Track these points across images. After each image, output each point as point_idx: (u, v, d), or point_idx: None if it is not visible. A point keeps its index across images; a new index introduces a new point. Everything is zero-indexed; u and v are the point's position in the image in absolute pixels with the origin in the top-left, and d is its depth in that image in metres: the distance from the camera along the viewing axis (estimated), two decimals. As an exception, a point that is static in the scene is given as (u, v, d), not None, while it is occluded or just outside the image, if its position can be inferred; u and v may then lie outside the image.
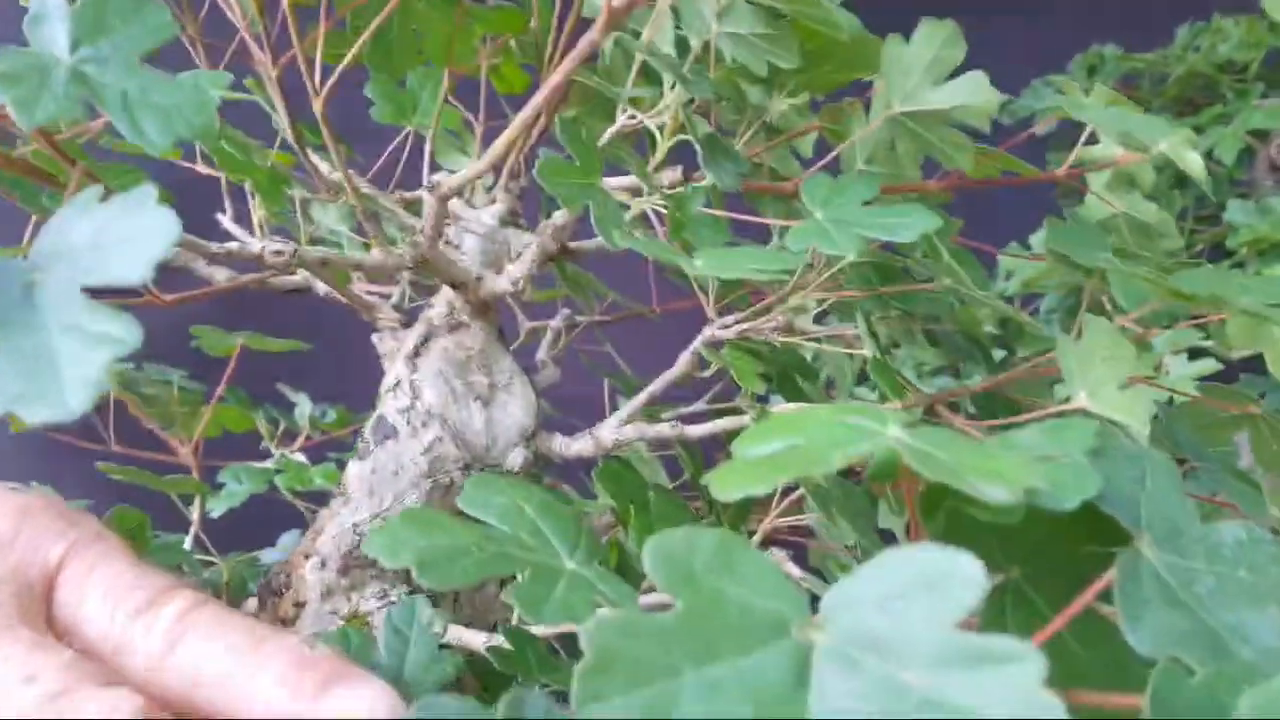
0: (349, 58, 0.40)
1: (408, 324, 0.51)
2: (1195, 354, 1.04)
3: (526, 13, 0.57)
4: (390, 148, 0.61)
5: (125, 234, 0.24)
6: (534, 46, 0.61)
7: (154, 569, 0.30)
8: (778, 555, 0.39)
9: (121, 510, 0.45)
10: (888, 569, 0.19)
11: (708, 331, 0.50)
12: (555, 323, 0.58)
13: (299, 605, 0.45)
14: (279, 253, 0.39)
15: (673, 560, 0.19)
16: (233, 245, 0.38)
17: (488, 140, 0.62)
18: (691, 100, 0.44)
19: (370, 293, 0.60)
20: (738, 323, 0.50)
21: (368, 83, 0.62)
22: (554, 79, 0.36)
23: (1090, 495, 0.21)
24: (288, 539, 0.83)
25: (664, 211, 0.41)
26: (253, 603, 0.59)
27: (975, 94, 0.40)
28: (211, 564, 0.60)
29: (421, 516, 0.26)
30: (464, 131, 0.66)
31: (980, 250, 0.55)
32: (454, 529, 0.25)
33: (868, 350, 0.42)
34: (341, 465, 0.68)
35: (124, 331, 0.22)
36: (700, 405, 0.61)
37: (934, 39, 0.41)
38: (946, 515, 0.23)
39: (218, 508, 0.64)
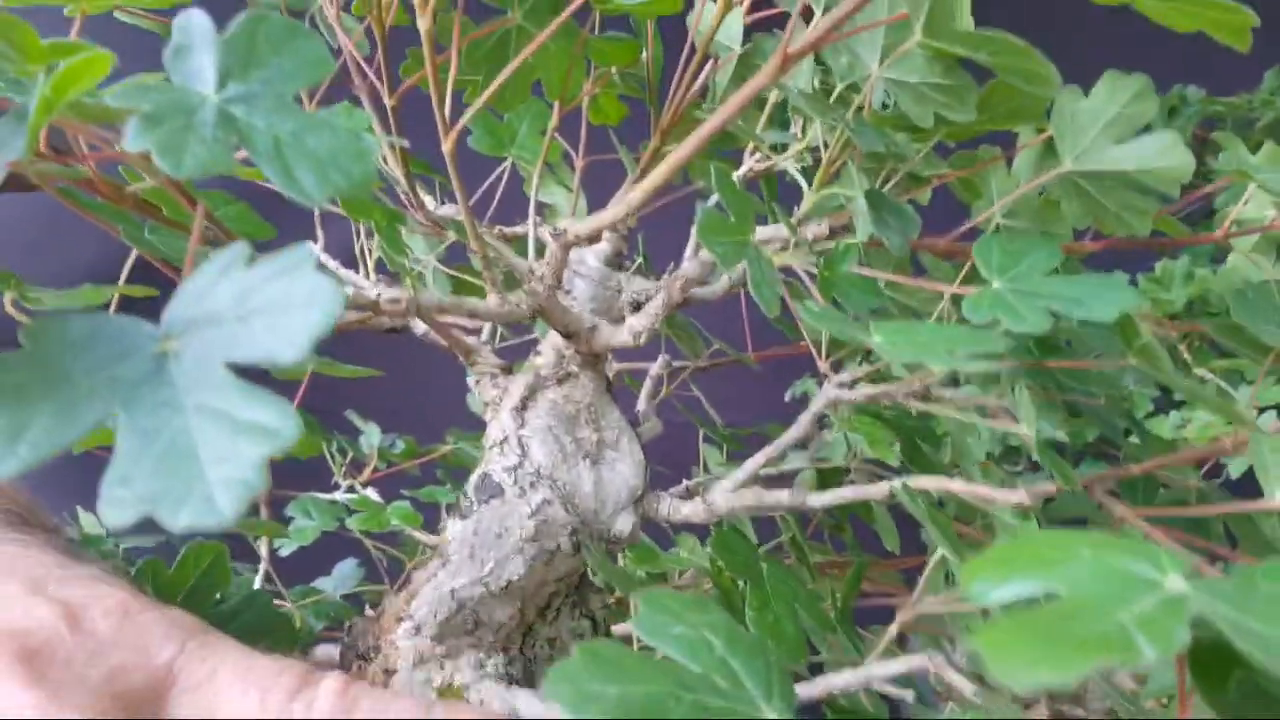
0: (478, 105, 0.37)
1: (506, 370, 0.47)
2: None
3: (640, 45, 0.54)
4: (488, 181, 0.58)
5: (278, 302, 0.21)
6: (636, 78, 0.58)
7: (284, 657, 0.29)
8: (935, 660, 0.35)
9: (196, 545, 0.41)
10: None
11: (830, 391, 0.46)
12: (655, 369, 0.54)
13: (389, 673, 0.41)
14: (395, 300, 0.36)
15: None
16: (347, 290, 0.35)
17: (587, 175, 0.59)
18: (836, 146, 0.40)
19: (459, 327, 0.57)
20: (858, 381, 0.47)
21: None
22: (713, 122, 0.33)
23: None
24: (345, 568, 0.80)
25: (809, 269, 0.37)
26: (322, 649, 0.56)
27: (1167, 156, 0.36)
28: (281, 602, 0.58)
29: (603, 655, 0.22)
30: (561, 165, 0.63)
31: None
32: (641, 671, 0.22)
33: (1026, 428, 0.38)
34: (416, 504, 0.66)
35: (280, 421, 0.19)
36: (799, 464, 0.58)
37: (1120, 93, 0.37)
38: (1239, 686, 0.19)
39: (287, 545, 0.61)
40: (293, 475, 0.73)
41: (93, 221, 0.33)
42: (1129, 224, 0.39)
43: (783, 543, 0.61)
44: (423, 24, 0.30)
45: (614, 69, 0.58)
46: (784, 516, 0.57)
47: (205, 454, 0.19)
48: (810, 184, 0.39)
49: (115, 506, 0.18)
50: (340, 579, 0.79)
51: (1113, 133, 0.37)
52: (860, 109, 0.37)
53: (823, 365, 0.53)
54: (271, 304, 0.21)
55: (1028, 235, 0.35)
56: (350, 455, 0.74)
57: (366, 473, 0.73)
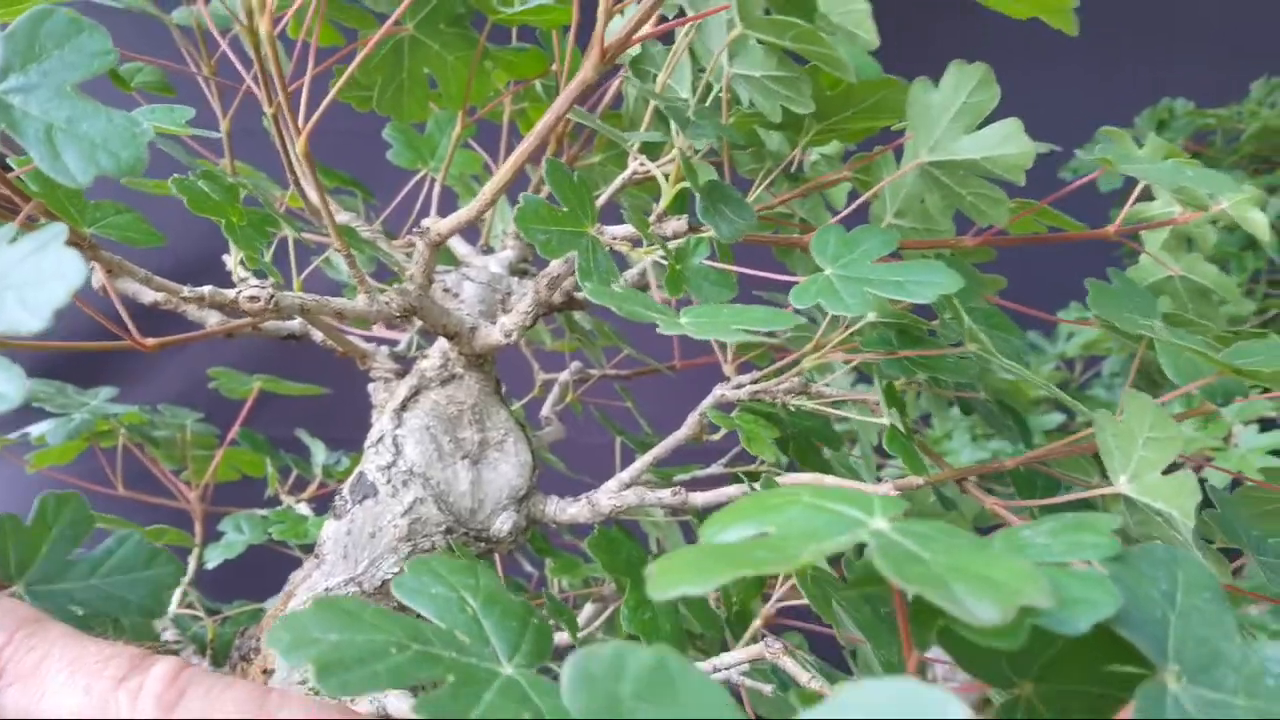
0: (328, 101, 0.38)
1: (402, 374, 0.48)
2: (1268, 425, 0.97)
3: (548, 55, 0.55)
4: (404, 193, 0.59)
5: (27, 277, 0.22)
6: (558, 91, 0.60)
7: (116, 642, 0.29)
8: (773, 648, 0.35)
9: (51, 496, 0.41)
10: (856, 707, 0.15)
11: (718, 391, 0.46)
12: (564, 376, 0.55)
13: (267, 672, 0.42)
14: (254, 298, 0.37)
15: (595, 685, 0.16)
16: (205, 290, 0.36)
17: (513, 189, 0.60)
18: (701, 146, 0.41)
19: (374, 339, 0.58)
20: (752, 384, 0.47)
21: (386, 127, 0.61)
22: (546, 119, 0.34)
23: (1105, 617, 0.17)
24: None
25: (661, 264, 0.38)
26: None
27: (1008, 144, 0.36)
28: (198, 619, 0.58)
29: (339, 606, 0.23)
30: (485, 176, 0.64)
31: (1029, 314, 0.51)
32: (376, 623, 0.22)
33: (885, 418, 0.38)
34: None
35: (9, 388, 0.20)
36: (716, 468, 0.58)
37: (964, 83, 0.37)
38: (943, 631, 0.19)
39: (214, 558, 0.62)
40: (242, 496, 0.74)
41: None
42: (985, 213, 0.40)
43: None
44: (262, 26, 0.31)
45: (538, 82, 0.60)
46: (696, 521, 0.57)
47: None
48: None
49: None
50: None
51: (961, 123, 0.38)
52: (713, 105, 0.38)
53: (727, 369, 0.54)
54: (24, 278, 0.22)
55: (868, 227, 0.36)
56: (294, 474, 0.75)
57: (311, 489, 0.74)
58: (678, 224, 0.39)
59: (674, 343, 0.66)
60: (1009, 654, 0.19)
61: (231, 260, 0.41)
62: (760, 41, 0.35)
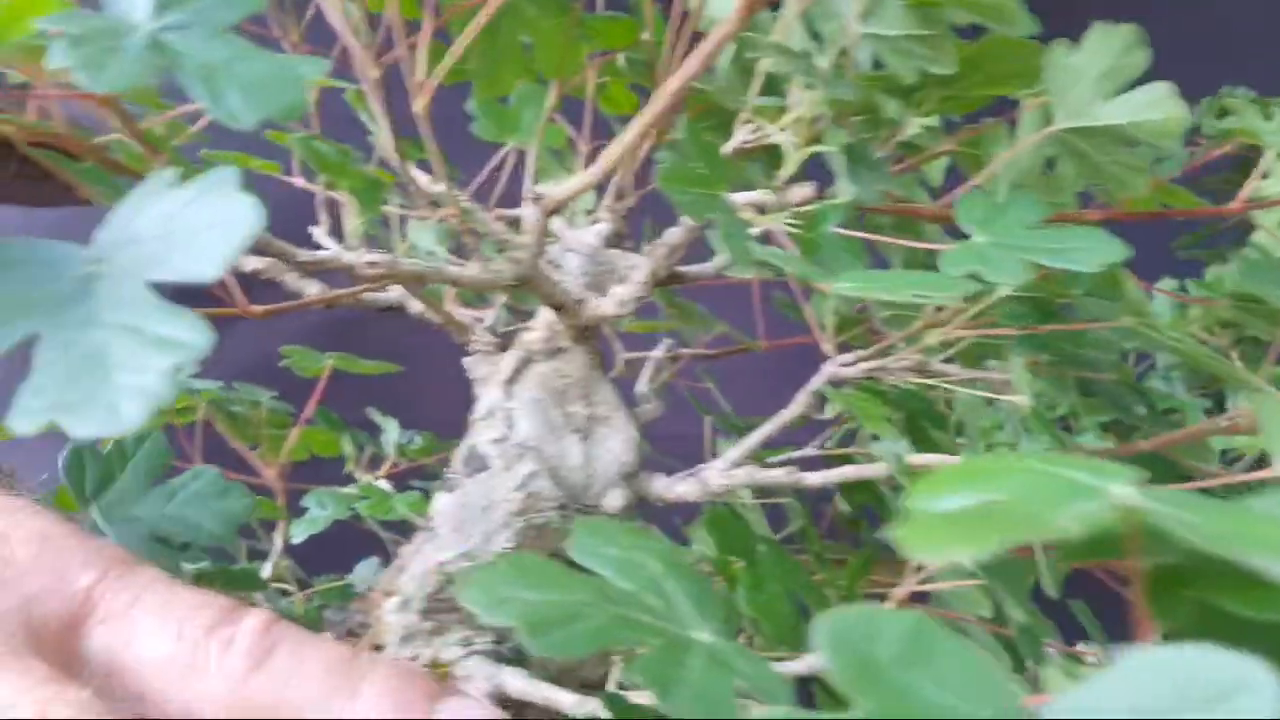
0: (447, 63, 0.37)
1: (503, 348, 0.47)
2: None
3: (639, 24, 0.54)
4: (490, 165, 0.58)
5: (199, 223, 0.21)
6: (644, 64, 0.58)
7: (208, 591, 0.28)
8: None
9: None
10: (1142, 675, 0.14)
11: (829, 369, 0.45)
12: (657, 353, 0.54)
13: (377, 648, 0.41)
14: (374, 264, 0.36)
15: (853, 648, 0.15)
16: (324, 254, 0.35)
17: (593, 161, 0.59)
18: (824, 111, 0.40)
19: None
20: (862, 360, 0.45)
21: (470, 98, 0.60)
22: (672, 84, 0.32)
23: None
24: (364, 568, 0.80)
25: (792, 232, 0.36)
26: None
27: (1160, 108, 0.34)
28: (288, 594, 0.58)
29: (526, 564, 0.22)
30: (568, 151, 0.63)
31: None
32: (564, 581, 0.21)
33: (1022, 398, 0.37)
34: (426, 494, 0.66)
35: (191, 334, 0.19)
36: (811, 450, 0.57)
37: (1109, 45, 0.36)
38: (1195, 607, 0.18)
39: (299, 533, 0.61)
40: (316, 473, 0.74)
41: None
42: (1125, 183, 0.38)
43: (793, 535, 0.60)
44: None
45: (621, 55, 0.58)
46: (792, 504, 0.56)
47: (115, 364, 0.19)
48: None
49: (23, 415, 0.18)
50: (361, 578, 0.79)
51: (1104, 87, 0.36)
52: (840, 67, 0.37)
53: (827, 347, 0.52)
54: (193, 224, 0.21)
55: (1017, 191, 0.34)
56: (369, 451, 0.74)
57: (385, 468, 0.74)
58: (804, 190, 0.38)
59: (760, 324, 0.65)
60: (1273, 640, 0.18)
61: (348, 224, 0.40)
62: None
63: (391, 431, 0.75)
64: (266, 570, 0.57)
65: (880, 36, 0.36)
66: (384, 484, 0.66)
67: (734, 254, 0.31)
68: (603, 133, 0.59)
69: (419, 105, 0.32)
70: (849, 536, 0.66)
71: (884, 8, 0.35)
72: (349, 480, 0.71)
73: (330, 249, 0.35)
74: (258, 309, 0.39)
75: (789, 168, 0.38)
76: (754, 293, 0.64)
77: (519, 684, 0.38)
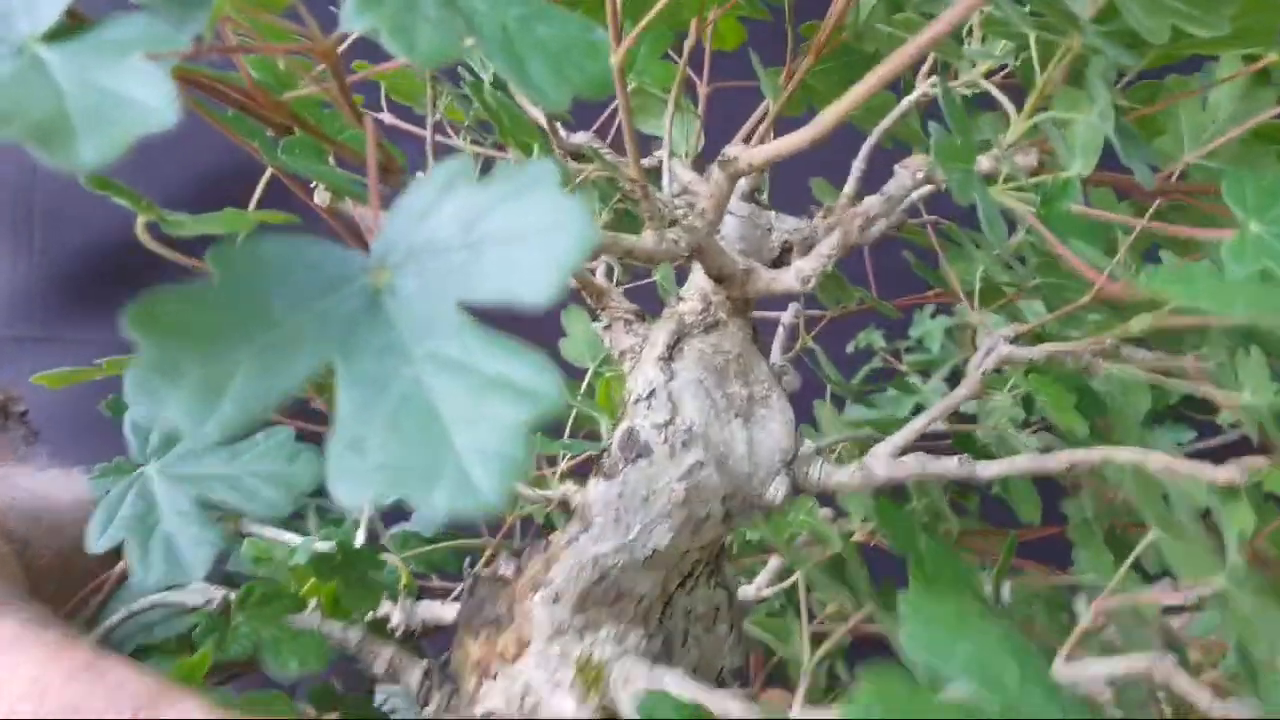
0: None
1: (640, 316, 0.44)
2: None
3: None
4: (607, 111, 0.53)
5: (517, 230, 0.17)
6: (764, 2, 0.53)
7: None
8: (1162, 663, 0.31)
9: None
10: None
11: (1002, 349, 0.41)
12: (788, 318, 0.50)
13: (522, 644, 0.38)
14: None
15: None
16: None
17: (710, 104, 0.54)
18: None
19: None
20: (1021, 337, 0.42)
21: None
22: (926, 35, 0.28)
23: None
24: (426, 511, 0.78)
25: (1023, 206, 0.32)
26: (425, 606, 0.53)
27: None
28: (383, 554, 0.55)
29: (958, 613, 0.19)
30: (683, 95, 0.58)
31: None
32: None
33: (1250, 395, 0.34)
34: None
35: (538, 378, 0.15)
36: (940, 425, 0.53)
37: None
38: None
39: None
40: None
41: (215, 132, 0.29)
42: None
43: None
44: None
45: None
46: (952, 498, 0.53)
47: (449, 415, 0.15)
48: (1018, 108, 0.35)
49: (351, 481, 0.15)
50: (426, 522, 0.76)
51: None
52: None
53: (976, 317, 0.49)
54: (508, 231, 0.17)
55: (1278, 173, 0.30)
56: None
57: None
58: (1027, 158, 0.34)
59: (870, 281, 0.61)
60: None
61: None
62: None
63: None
64: (360, 536, 0.54)
65: (1136, -13, 0.31)
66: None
67: (995, 238, 0.27)
68: (716, 72, 0.54)
69: (615, 59, 0.28)
70: (954, 505, 0.64)
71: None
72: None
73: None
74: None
75: (1015, 132, 0.33)
76: (864, 255, 0.60)
77: (683, 686, 0.36)
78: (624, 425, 0.38)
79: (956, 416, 0.57)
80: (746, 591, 0.55)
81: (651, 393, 0.38)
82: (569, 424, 0.66)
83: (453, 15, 0.17)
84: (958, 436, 0.52)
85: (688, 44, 0.48)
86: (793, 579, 0.57)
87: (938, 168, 0.26)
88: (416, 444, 0.15)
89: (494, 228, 0.17)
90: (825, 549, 0.57)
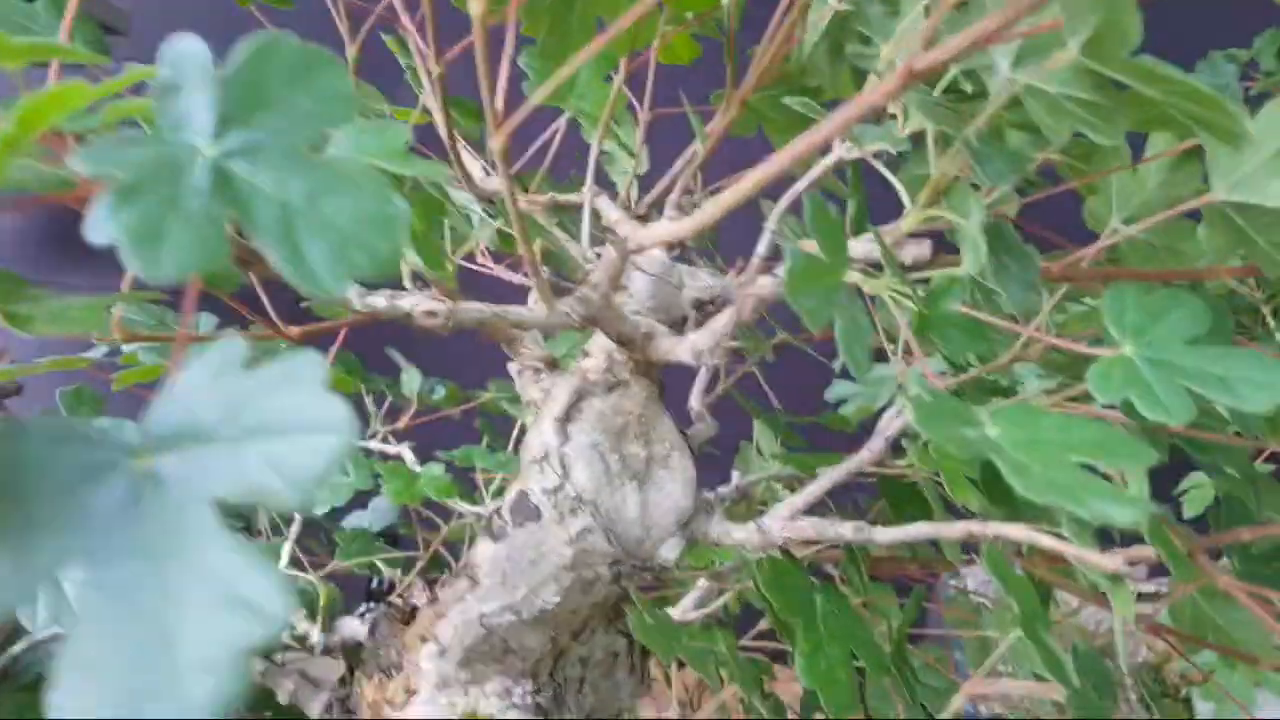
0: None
1: (552, 365, 0.43)
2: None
3: (720, -9, 0.48)
4: (546, 134, 0.52)
5: (279, 424, 0.17)
6: (714, 20, 0.52)
7: None
8: None
9: None
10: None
11: (906, 416, 0.41)
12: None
13: (410, 692, 0.39)
14: (432, 314, 0.32)
15: None
16: (379, 302, 0.31)
17: (652, 132, 0.53)
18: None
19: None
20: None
21: (521, 54, 0.54)
22: (811, 137, 0.27)
23: None
24: (381, 504, 0.78)
25: (903, 302, 0.32)
26: (347, 625, 0.54)
27: (1345, 202, 0.30)
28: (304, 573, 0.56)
29: None
30: (624, 114, 0.57)
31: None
32: None
33: (1135, 515, 0.34)
34: (450, 468, 0.63)
35: (271, 602, 0.15)
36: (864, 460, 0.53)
37: (1293, 119, 0.31)
38: None
39: (321, 503, 0.58)
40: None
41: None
42: (1277, 264, 0.34)
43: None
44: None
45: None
46: (848, 556, 0.54)
47: (182, 632, 0.15)
48: (909, 170, 0.34)
49: (75, 702, 0.15)
50: (377, 514, 0.77)
51: (1279, 165, 0.31)
52: (979, 119, 0.32)
53: (899, 367, 0.48)
54: (270, 426, 0.17)
55: (1167, 290, 0.30)
56: (389, 401, 0.71)
57: (405, 418, 0.71)
58: (919, 249, 0.33)
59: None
60: None
61: (404, 269, 0.36)
62: (1085, 65, 0.28)
63: (413, 379, 0.72)
64: (285, 555, 0.55)
65: (1036, 90, 0.31)
66: (407, 451, 0.63)
67: (855, 364, 0.27)
68: (659, 93, 0.54)
69: (497, 143, 0.28)
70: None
71: (1048, 60, 0.29)
72: (368, 435, 0.68)
73: (381, 300, 0.30)
74: (294, 330, 0.35)
75: (906, 224, 0.33)
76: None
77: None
78: (517, 487, 0.38)
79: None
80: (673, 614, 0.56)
81: (545, 456, 0.38)
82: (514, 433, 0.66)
83: (220, 207, 0.17)
84: (884, 481, 0.52)
85: (622, 68, 0.47)
86: (719, 602, 0.58)
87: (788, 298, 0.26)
88: (142, 667, 0.15)
89: (257, 421, 0.17)
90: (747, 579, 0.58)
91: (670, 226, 0.32)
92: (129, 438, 0.18)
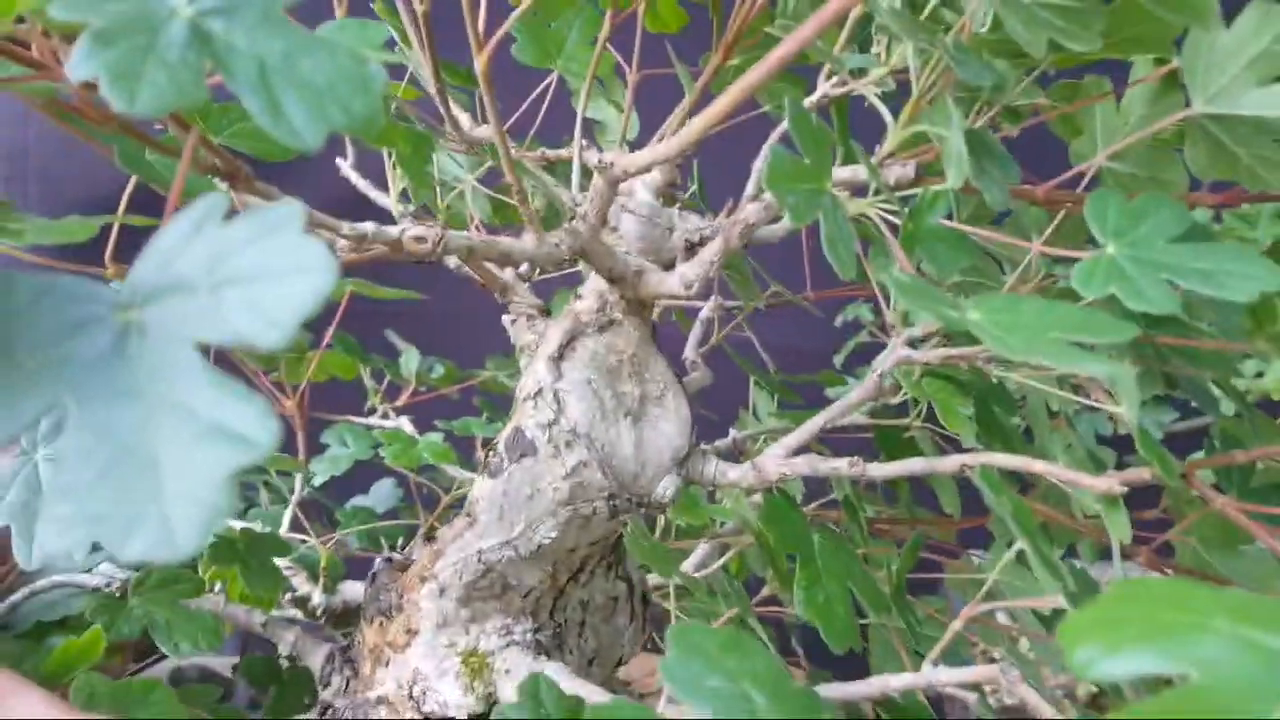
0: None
1: (545, 311, 0.44)
2: None
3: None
4: (533, 95, 0.53)
5: (258, 272, 0.17)
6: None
7: None
8: (1010, 675, 0.31)
9: None
10: None
11: (900, 352, 0.42)
12: (706, 312, 0.50)
13: (411, 633, 0.39)
14: (421, 239, 0.32)
15: None
16: (368, 227, 0.31)
17: (641, 90, 0.54)
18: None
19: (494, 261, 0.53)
20: (930, 338, 0.42)
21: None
22: (787, 45, 0.28)
23: None
24: (383, 488, 0.79)
25: (888, 218, 0.32)
26: (349, 586, 0.54)
27: (1323, 102, 0.30)
28: (306, 541, 0.56)
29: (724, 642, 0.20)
30: (612, 79, 0.57)
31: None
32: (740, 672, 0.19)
33: (1126, 411, 0.34)
34: (449, 437, 0.63)
35: (255, 427, 0.16)
36: (859, 417, 0.54)
37: (1267, 28, 0.31)
38: None
39: (321, 473, 0.59)
40: (330, 398, 0.71)
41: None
42: (1263, 178, 0.34)
43: (836, 499, 0.58)
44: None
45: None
46: (850, 492, 0.54)
47: (166, 461, 0.16)
48: (893, 114, 0.34)
49: (55, 527, 0.15)
50: (379, 498, 0.77)
51: (1256, 72, 0.32)
52: (959, 31, 0.32)
53: (890, 316, 0.49)
54: (249, 272, 0.17)
55: (1147, 192, 0.30)
56: (387, 379, 0.71)
57: (404, 397, 0.71)
58: (903, 170, 0.34)
59: (806, 272, 0.61)
60: None
61: (392, 194, 0.36)
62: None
63: (411, 359, 0.72)
64: (285, 521, 0.55)
65: (1014, 3, 0.31)
66: (406, 423, 0.63)
67: (840, 264, 0.27)
68: (650, 57, 0.54)
69: (479, 65, 0.28)
70: (885, 492, 0.64)
71: (1020, -30, 0.30)
72: (368, 411, 0.69)
73: (369, 226, 0.31)
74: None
75: (890, 143, 0.33)
76: (803, 241, 0.60)
77: (563, 678, 0.36)
78: (512, 424, 0.38)
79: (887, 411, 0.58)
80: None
81: (539, 392, 0.38)
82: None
83: (197, 57, 0.17)
84: (880, 432, 0.52)
85: (605, 27, 0.48)
86: (720, 563, 0.58)
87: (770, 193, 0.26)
88: (125, 491, 0.15)
89: (236, 269, 0.17)
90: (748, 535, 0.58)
91: (655, 148, 0.32)
92: (114, 295, 0.18)
